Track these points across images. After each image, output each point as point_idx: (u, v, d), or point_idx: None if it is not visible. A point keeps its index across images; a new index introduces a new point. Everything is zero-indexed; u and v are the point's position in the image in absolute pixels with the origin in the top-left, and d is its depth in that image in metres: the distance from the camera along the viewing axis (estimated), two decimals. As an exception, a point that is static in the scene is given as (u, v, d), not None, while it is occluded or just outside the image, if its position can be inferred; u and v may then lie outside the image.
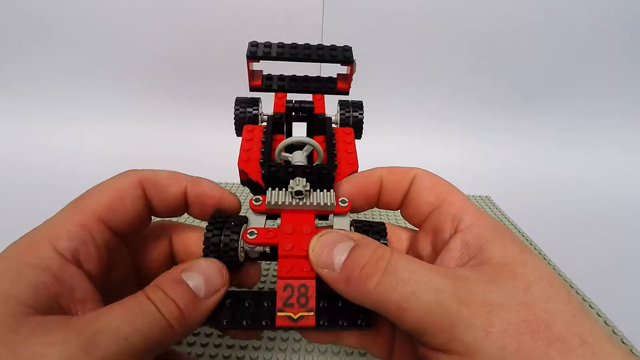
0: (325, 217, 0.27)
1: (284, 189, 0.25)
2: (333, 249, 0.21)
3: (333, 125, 0.32)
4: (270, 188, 0.25)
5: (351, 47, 0.31)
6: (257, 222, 0.24)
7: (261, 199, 0.25)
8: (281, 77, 0.33)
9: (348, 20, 0.85)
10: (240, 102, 0.32)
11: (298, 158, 0.27)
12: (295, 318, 0.21)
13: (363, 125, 0.32)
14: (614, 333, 0.41)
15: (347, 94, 0.33)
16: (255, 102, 0.32)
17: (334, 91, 0.33)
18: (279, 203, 0.24)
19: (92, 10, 0.81)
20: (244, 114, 0.31)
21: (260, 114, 0.32)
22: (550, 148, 0.99)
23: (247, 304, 0.22)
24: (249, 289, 0.26)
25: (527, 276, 0.19)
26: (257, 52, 0.30)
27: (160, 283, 0.20)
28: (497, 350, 0.17)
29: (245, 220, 0.24)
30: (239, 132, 0.31)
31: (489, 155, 0.96)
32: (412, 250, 0.27)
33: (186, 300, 0.20)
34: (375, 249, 0.20)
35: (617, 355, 0.17)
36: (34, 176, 0.74)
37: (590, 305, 0.45)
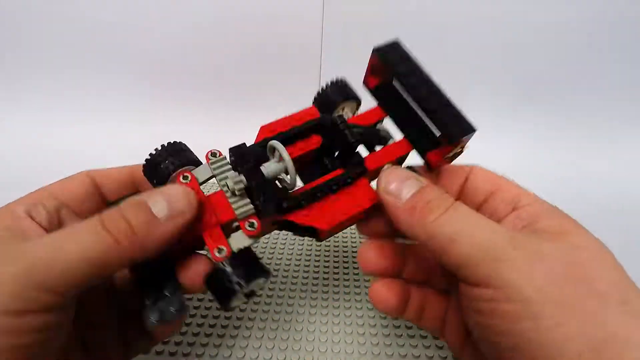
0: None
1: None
2: (403, 182, 0.23)
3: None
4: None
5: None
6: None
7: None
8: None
9: (348, 21, 0.85)
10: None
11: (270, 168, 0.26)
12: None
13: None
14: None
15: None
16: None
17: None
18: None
19: (91, 12, 0.82)
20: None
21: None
22: (551, 148, 0.98)
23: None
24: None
25: (580, 242, 0.20)
26: None
27: (122, 204, 0.21)
28: (535, 292, 0.17)
29: None
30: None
31: (489, 155, 0.95)
32: None
33: (141, 219, 0.20)
34: (442, 193, 0.22)
35: None
36: (31, 175, 0.74)
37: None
